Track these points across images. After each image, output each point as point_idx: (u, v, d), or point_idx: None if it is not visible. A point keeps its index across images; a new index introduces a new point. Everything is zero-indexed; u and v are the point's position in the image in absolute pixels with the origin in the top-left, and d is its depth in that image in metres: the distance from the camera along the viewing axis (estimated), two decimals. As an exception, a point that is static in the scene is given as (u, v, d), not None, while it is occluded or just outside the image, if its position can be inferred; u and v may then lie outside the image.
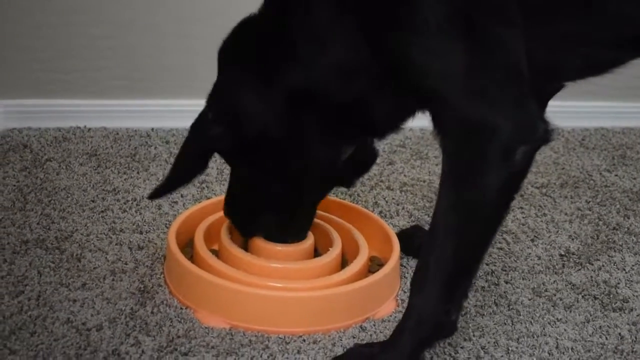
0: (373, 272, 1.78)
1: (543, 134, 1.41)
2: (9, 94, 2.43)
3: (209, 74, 2.51)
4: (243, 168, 1.69)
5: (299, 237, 1.78)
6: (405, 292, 1.81)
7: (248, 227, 1.77)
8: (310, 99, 1.53)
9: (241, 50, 1.60)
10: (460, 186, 1.41)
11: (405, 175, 2.32)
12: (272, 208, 1.71)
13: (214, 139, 1.62)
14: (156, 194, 1.70)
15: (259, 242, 1.77)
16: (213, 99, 1.65)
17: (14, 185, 2.10)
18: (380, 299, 1.75)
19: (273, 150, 1.60)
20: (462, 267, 1.49)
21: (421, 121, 2.59)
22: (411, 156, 2.45)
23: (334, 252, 1.78)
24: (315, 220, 1.87)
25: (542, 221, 2.15)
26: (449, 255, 1.45)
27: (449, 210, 1.44)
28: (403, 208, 2.15)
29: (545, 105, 1.66)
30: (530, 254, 2.00)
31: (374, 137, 1.66)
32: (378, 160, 2.38)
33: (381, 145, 2.49)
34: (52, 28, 2.41)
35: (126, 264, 1.83)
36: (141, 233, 1.95)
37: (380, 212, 2.12)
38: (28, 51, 2.42)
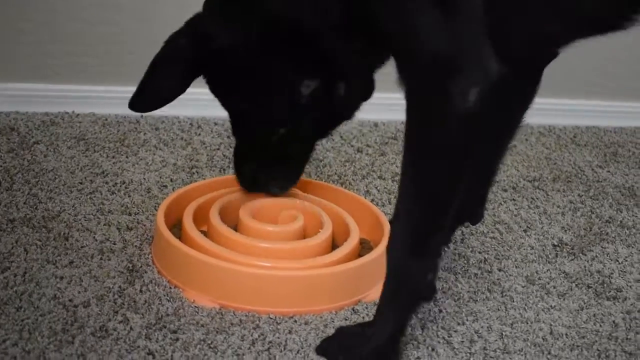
0: (363, 256, 1.75)
1: (494, 76, 1.39)
2: (-4, 78, 2.41)
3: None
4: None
5: (288, 184, 1.84)
6: (397, 277, 1.78)
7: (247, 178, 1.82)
8: (279, 26, 1.59)
9: None
10: (420, 124, 1.42)
11: (397, 166, 2.30)
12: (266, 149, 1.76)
13: (179, 48, 1.70)
14: (133, 103, 1.74)
15: (249, 223, 1.75)
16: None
17: (0, 167, 2.06)
18: (372, 281, 1.72)
19: (241, 74, 1.66)
20: (429, 212, 1.46)
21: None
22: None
23: (325, 234, 1.76)
24: (306, 203, 1.85)
25: (534, 213, 2.13)
26: (415, 199, 1.45)
27: (411, 152, 1.43)
28: (395, 197, 2.12)
29: (540, 71, 1.68)
30: (523, 243, 1.98)
31: (338, 78, 1.65)
32: (370, 151, 2.38)
33: (373, 137, 2.48)
34: (41, 12, 2.38)
35: (114, 243, 1.80)
36: (130, 215, 1.92)
37: (372, 200, 2.09)
38: (16, 35, 2.39)
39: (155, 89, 1.71)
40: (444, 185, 1.44)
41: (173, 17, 2.43)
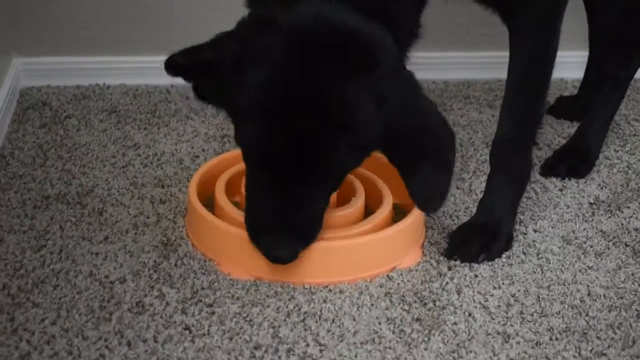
0: (397, 222, 1.74)
1: None
2: (27, 52, 2.40)
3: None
4: None
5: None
6: (431, 243, 1.78)
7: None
8: None
9: None
10: (533, 41, 1.76)
11: (429, 127, 2.28)
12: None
13: None
14: None
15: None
16: None
17: (34, 142, 2.08)
18: (406, 248, 1.72)
19: None
20: (539, 105, 1.81)
21: (444, 74, 2.56)
22: (435, 108, 2.40)
23: (358, 202, 1.75)
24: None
25: (570, 170, 2.11)
26: (529, 97, 1.79)
27: (525, 61, 1.77)
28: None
29: None
30: (558, 202, 1.96)
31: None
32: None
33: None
34: (69, -16, 2.39)
35: (148, 217, 1.81)
36: (163, 187, 1.92)
37: (405, 163, 2.08)
38: (46, 8, 2.39)
39: None
40: (547, 80, 1.81)
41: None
